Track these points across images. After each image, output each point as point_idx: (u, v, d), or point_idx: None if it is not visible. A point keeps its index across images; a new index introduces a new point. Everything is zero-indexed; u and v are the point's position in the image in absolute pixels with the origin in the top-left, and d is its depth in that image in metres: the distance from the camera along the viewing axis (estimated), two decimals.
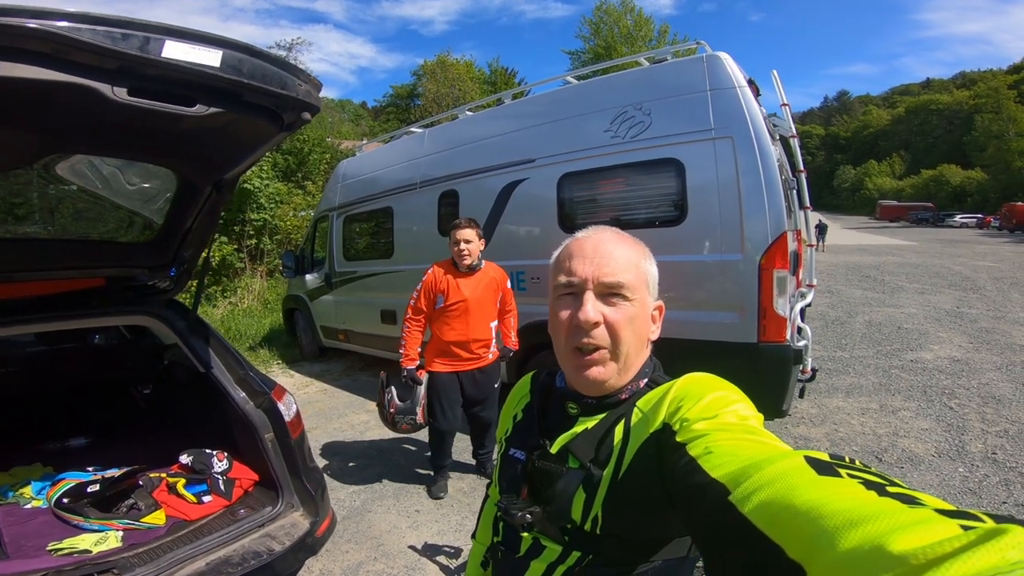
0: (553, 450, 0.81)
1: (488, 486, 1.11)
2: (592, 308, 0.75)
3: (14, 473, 2.58)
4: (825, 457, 0.46)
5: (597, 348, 0.76)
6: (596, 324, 0.75)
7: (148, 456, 2.68)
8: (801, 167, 3.67)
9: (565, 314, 0.78)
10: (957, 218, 40.10)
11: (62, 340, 3.45)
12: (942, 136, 64.16)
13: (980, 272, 12.48)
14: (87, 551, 1.94)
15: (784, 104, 3.77)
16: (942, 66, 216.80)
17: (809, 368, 3.42)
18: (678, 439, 0.63)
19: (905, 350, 6.05)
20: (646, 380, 0.82)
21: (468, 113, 4.97)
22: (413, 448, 4.00)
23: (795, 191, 3.71)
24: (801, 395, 3.70)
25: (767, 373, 3.03)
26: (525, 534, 0.81)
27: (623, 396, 0.80)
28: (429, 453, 3.42)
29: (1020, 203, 33.03)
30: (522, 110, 4.40)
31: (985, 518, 0.31)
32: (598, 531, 0.73)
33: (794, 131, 3.71)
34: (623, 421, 0.76)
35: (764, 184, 3.02)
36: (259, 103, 1.54)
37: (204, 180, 2.12)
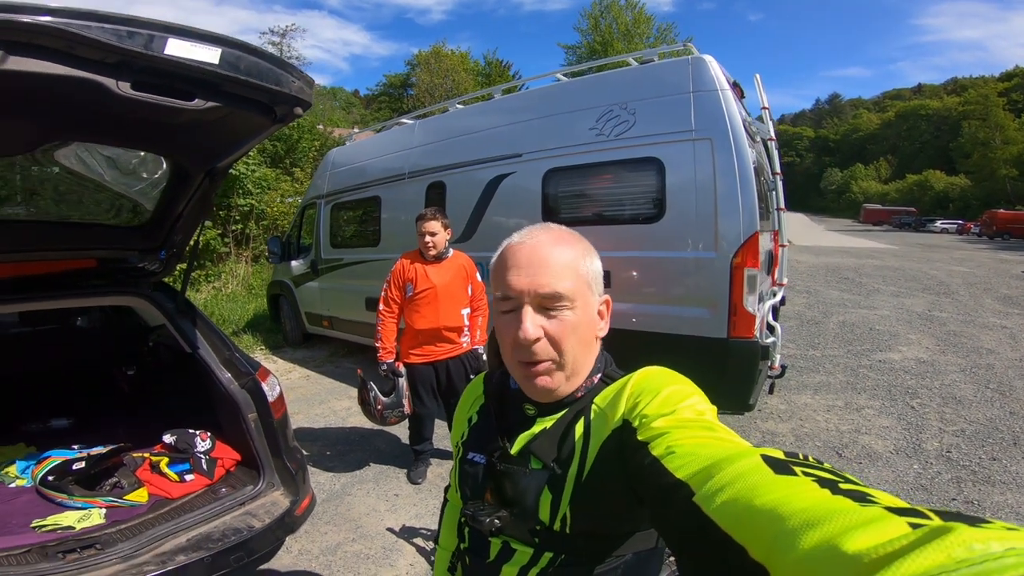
0: (514, 451, 0.80)
1: (446, 491, 1.11)
2: (531, 325, 0.73)
3: None
4: (780, 455, 0.47)
5: (541, 360, 0.75)
6: (536, 340, 0.73)
7: (132, 436, 2.71)
8: (778, 169, 3.78)
9: (508, 329, 0.76)
10: (938, 223, 40.62)
11: (45, 322, 3.47)
12: (929, 141, 64.87)
13: (955, 277, 12.79)
14: (71, 527, 1.97)
15: (764, 108, 3.88)
16: (937, 71, 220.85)
17: (778, 365, 3.56)
18: (640, 437, 0.63)
19: (875, 350, 6.24)
20: (600, 375, 0.82)
21: (459, 106, 5.02)
22: (394, 434, 4.08)
23: (773, 192, 3.84)
24: (771, 391, 3.84)
25: (735, 367, 3.16)
26: (494, 539, 0.81)
27: (578, 394, 0.80)
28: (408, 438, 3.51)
29: (1001, 211, 33.57)
30: (511, 105, 4.48)
31: (932, 515, 0.32)
32: (568, 530, 0.73)
33: (773, 135, 3.82)
34: (582, 418, 0.76)
35: (739, 185, 3.13)
36: (254, 98, 1.62)
37: (197, 168, 2.19)
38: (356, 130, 7.63)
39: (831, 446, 3.76)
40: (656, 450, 0.59)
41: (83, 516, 2.06)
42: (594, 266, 0.80)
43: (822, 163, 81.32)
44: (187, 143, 1.97)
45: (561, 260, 0.76)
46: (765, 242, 3.53)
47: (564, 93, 4.06)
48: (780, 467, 0.45)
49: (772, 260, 4.04)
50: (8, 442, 2.71)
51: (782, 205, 3.77)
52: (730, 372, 3.16)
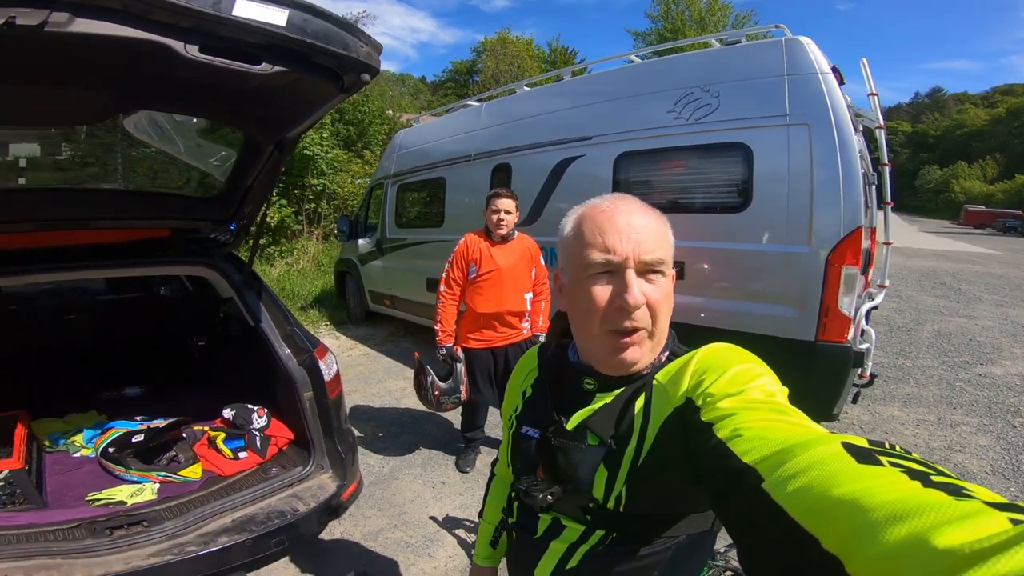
0: (570, 426, 0.78)
1: (494, 464, 1.11)
2: (638, 290, 0.70)
3: (69, 420, 2.68)
4: (864, 443, 0.44)
5: (636, 329, 0.72)
6: (641, 305, 0.71)
7: (196, 408, 2.75)
8: (885, 160, 3.39)
9: (603, 295, 0.72)
10: None
11: (130, 290, 3.62)
12: None
13: None
14: (122, 502, 2.00)
15: (872, 94, 3.49)
16: None
17: (868, 373, 3.21)
18: (704, 418, 0.61)
19: (974, 363, 5.62)
20: (668, 353, 0.79)
21: (526, 88, 4.88)
22: (446, 419, 4.04)
23: (875, 186, 3.45)
24: (855, 400, 3.49)
25: (822, 374, 2.87)
26: (543, 515, 0.80)
27: (645, 371, 0.77)
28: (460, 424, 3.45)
29: None
30: (582, 87, 4.29)
31: None
32: (621, 509, 0.71)
33: (881, 122, 3.43)
34: (643, 395, 0.74)
35: (841, 176, 2.81)
36: (321, 63, 1.57)
37: (267, 139, 2.18)
38: (423, 114, 7.62)
39: None
40: (721, 432, 0.56)
41: (136, 491, 2.07)
42: (673, 238, 0.79)
43: (918, 160, 74.75)
44: (256, 112, 1.95)
45: (656, 227, 0.75)
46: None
47: (638, 75, 3.82)
48: (864, 456, 0.42)
49: (868, 260, 3.66)
50: (81, 409, 2.79)
51: (888, 199, 3.37)
52: (816, 378, 2.87)
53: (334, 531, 2.63)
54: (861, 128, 3.48)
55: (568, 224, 0.80)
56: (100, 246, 2.48)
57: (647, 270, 0.72)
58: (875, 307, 3.52)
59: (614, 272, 0.72)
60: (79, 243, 2.41)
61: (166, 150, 2.34)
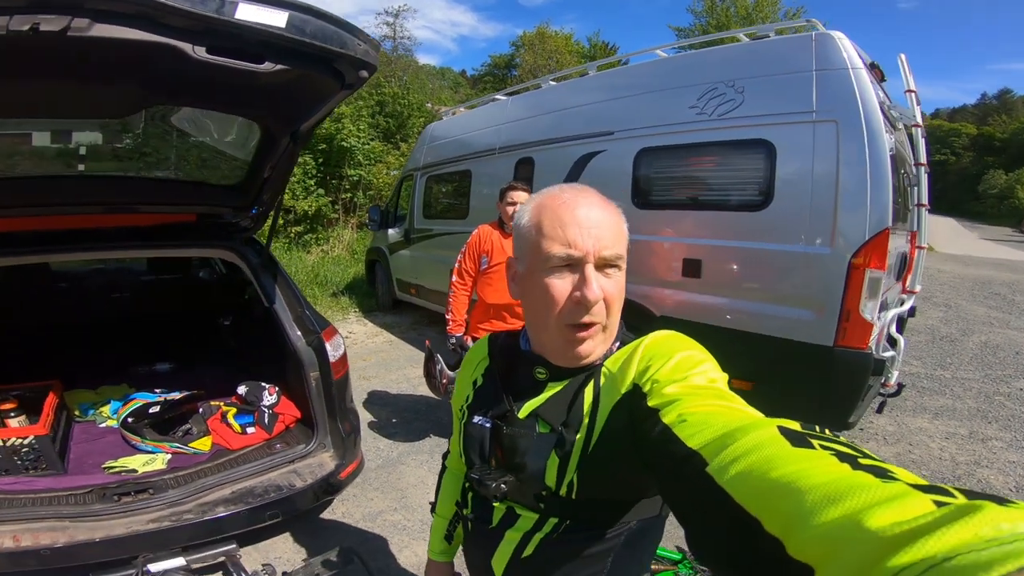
0: (522, 415, 0.78)
1: (445, 457, 1.11)
2: (597, 286, 0.71)
3: (100, 392, 2.85)
4: (797, 427, 0.47)
5: (593, 323, 0.73)
6: (600, 301, 0.71)
7: (215, 384, 2.88)
8: (923, 160, 3.23)
9: (562, 289, 0.72)
10: None
11: (168, 272, 3.82)
12: None
13: None
14: (134, 470, 2.12)
15: (910, 91, 3.32)
16: None
17: (894, 382, 3.08)
18: (650, 404, 0.62)
19: (1018, 377, 5.30)
20: (619, 343, 0.79)
21: (552, 83, 4.86)
22: None
23: (915, 188, 3.29)
24: (880, 410, 3.36)
25: (839, 380, 2.77)
26: (497, 504, 0.80)
27: (596, 361, 0.77)
28: None
29: None
30: (606, 82, 4.23)
31: (957, 494, 0.32)
32: (574, 496, 0.72)
33: (919, 120, 3.26)
34: (592, 382, 0.75)
35: (869, 175, 2.69)
36: (321, 61, 1.64)
37: (282, 131, 2.27)
38: (460, 107, 7.70)
39: (940, 476, 3.27)
40: (667, 417, 0.57)
41: (149, 460, 2.19)
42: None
43: (983, 163, 70.31)
44: (268, 106, 2.05)
45: (614, 221, 0.75)
46: (898, 243, 3.04)
47: (662, 70, 3.75)
48: (797, 439, 0.43)
49: (905, 264, 3.49)
50: (115, 382, 2.96)
51: (924, 201, 3.21)
52: (832, 385, 2.77)
53: (336, 511, 2.71)
54: (901, 127, 3.32)
55: (525, 214, 0.78)
56: (133, 228, 2.63)
57: (604, 265, 0.72)
58: (906, 313, 3.37)
59: (574, 266, 0.72)
60: (114, 226, 2.57)
61: (203, 141, 2.48)
